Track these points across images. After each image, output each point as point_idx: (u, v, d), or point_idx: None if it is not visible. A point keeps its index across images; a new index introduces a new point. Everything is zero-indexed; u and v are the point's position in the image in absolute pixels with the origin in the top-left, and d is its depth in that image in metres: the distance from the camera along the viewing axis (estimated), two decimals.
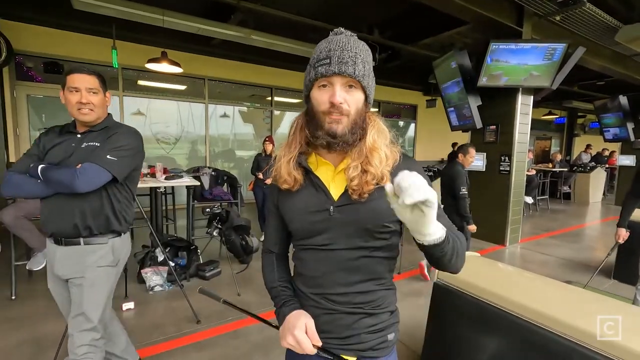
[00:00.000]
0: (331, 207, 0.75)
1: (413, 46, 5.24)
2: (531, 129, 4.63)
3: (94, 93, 1.35)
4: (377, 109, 8.66)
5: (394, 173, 0.74)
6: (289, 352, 0.88)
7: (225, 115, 6.80)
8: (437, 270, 1.66)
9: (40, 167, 1.29)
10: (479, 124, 4.45)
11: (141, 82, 5.81)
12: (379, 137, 0.77)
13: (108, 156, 1.34)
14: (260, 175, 4.23)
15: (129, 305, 2.54)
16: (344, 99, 0.71)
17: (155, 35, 5.00)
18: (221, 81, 6.52)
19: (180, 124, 6.33)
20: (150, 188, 3.49)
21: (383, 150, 0.75)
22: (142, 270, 2.93)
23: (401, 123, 9.53)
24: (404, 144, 9.69)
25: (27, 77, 4.97)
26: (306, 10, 4.31)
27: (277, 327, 0.81)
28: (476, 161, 4.56)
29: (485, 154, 4.59)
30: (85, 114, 1.34)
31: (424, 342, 1.63)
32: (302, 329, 0.71)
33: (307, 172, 0.79)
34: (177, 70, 4.56)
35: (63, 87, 1.34)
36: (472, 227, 3.02)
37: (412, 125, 9.64)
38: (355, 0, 4.16)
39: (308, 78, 0.75)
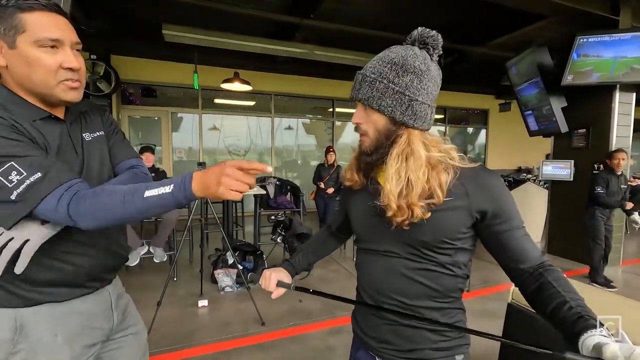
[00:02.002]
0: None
1: (483, 47, 4.91)
2: (634, 131, 3.95)
3: (78, 51, 0.79)
4: (442, 116, 8.25)
5: (452, 191, 0.68)
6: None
7: (289, 128, 7.15)
8: (512, 289, 1.51)
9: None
10: (563, 128, 3.94)
11: (217, 101, 6.45)
12: (406, 162, 0.69)
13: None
14: (322, 185, 4.33)
15: (203, 303, 2.79)
16: (361, 120, 0.74)
17: (228, 58, 5.52)
18: (286, 95, 6.90)
19: (249, 137, 6.84)
20: None
21: (399, 179, 0.68)
22: (214, 271, 3.21)
23: (470, 130, 8.90)
24: (473, 151, 9.01)
25: (129, 102, 5.90)
26: (366, 21, 4.36)
27: (352, 302, 0.83)
28: (561, 170, 4.04)
29: (572, 161, 4.04)
30: (76, 89, 0.78)
31: None
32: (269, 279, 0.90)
33: (369, 176, 0.80)
34: (247, 88, 4.97)
35: (10, 35, 0.70)
36: (629, 204, 3.33)
37: (483, 132, 8.93)
38: (417, 5, 4.07)
39: None
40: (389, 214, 0.69)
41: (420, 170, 0.68)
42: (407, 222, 0.68)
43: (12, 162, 0.65)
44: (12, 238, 0.68)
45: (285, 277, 0.93)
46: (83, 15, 3.87)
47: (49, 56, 0.72)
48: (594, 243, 3.41)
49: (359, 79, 0.72)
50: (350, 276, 3.54)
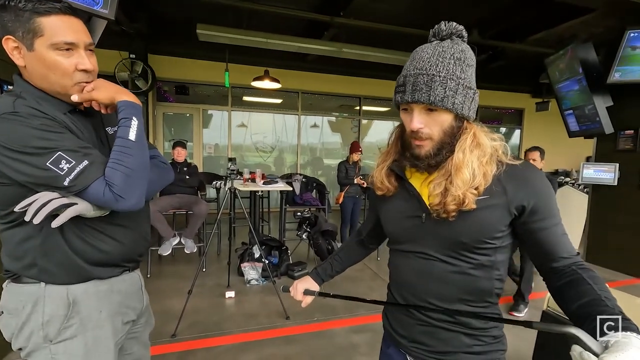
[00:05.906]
0: (423, 215, 0.74)
1: (520, 44, 4.69)
2: None
3: (91, 51, 0.81)
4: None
5: (488, 189, 0.69)
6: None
7: (315, 126, 7.18)
8: (547, 296, 1.45)
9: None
10: (608, 129, 3.69)
11: (245, 98, 6.60)
12: (472, 152, 0.69)
13: None
14: (363, 182, 4.13)
15: (230, 294, 2.88)
16: (423, 124, 0.69)
17: (258, 56, 5.63)
18: (313, 93, 6.93)
19: (276, 134, 6.94)
20: (251, 191, 3.92)
21: (470, 168, 0.67)
22: (241, 264, 3.30)
23: (503, 130, 8.53)
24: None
25: (163, 99, 6.17)
26: (395, 18, 4.29)
27: (374, 302, 0.85)
28: (603, 173, 3.81)
29: (617, 164, 3.78)
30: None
31: None
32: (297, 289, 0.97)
33: (401, 179, 0.79)
34: (276, 86, 5.04)
35: (28, 38, 0.73)
36: None
37: (517, 132, 8.54)
38: (450, 2, 3.95)
39: (394, 100, 0.74)
40: (451, 202, 0.67)
41: (486, 157, 0.69)
42: (456, 212, 0.68)
43: (60, 152, 0.71)
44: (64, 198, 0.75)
45: (312, 285, 0.99)
46: (125, 17, 4.08)
47: (65, 59, 0.76)
48: None
49: (424, 80, 0.66)
50: (374, 276, 3.52)
